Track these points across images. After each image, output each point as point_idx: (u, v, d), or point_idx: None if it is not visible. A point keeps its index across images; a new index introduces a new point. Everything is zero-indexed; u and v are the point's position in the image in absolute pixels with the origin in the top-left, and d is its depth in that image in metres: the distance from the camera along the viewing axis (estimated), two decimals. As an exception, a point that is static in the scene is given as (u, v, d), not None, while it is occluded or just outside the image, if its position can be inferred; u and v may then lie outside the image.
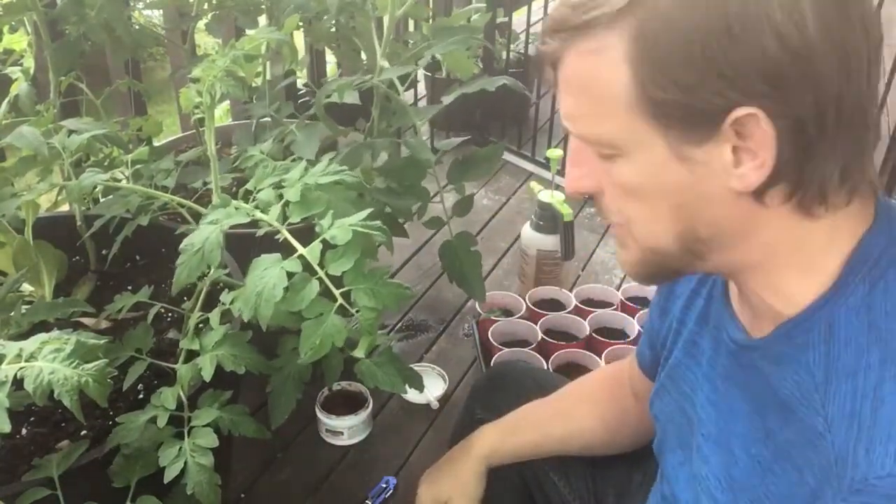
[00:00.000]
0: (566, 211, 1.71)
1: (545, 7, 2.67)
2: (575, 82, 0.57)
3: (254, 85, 1.56)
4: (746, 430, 0.64)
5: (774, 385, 0.60)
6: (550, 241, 1.79)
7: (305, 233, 0.84)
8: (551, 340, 1.61)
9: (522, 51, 3.01)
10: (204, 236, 0.84)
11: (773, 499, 0.59)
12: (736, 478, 0.64)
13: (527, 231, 1.84)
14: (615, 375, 1.03)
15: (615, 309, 1.74)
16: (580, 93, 0.57)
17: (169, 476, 0.85)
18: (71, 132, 1.07)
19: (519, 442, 1.00)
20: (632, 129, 0.56)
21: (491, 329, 1.65)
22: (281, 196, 0.89)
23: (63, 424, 0.99)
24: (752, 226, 0.57)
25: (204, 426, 0.90)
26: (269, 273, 0.79)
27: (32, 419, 1.00)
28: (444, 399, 1.61)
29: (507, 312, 1.75)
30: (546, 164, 2.50)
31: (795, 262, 0.59)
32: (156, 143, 1.65)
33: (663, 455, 0.80)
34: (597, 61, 0.55)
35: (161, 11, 1.78)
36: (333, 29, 1.54)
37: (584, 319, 1.67)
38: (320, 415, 1.48)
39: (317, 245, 0.80)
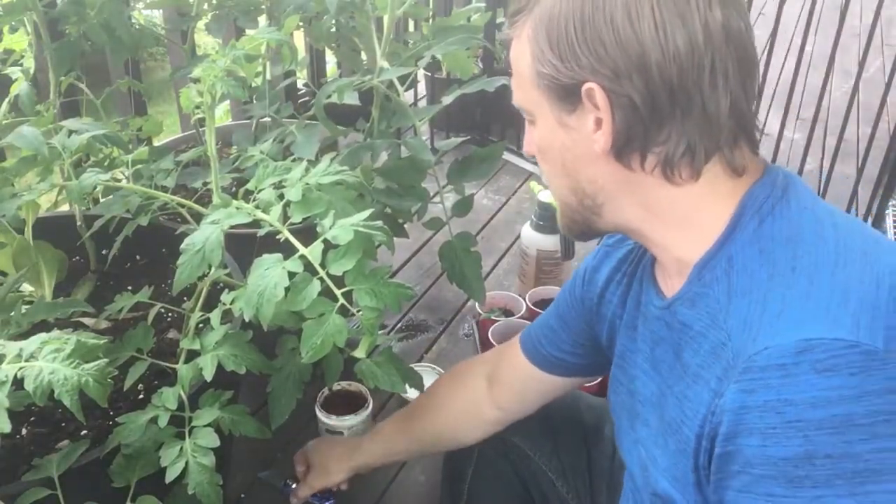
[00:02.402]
0: (566, 211, 1.71)
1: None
2: (511, 60, 0.72)
3: (254, 85, 1.56)
4: (671, 376, 0.70)
5: (689, 323, 0.68)
6: (550, 241, 1.79)
7: (306, 233, 0.84)
8: (551, 340, 1.61)
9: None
10: (205, 236, 0.84)
11: (687, 421, 0.65)
12: (665, 420, 0.69)
13: (527, 231, 1.84)
14: (459, 371, 1.14)
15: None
16: (513, 69, 0.72)
17: (170, 476, 0.85)
18: (71, 132, 1.07)
19: (385, 450, 1.17)
20: (533, 99, 0.70)
21: (491, 329, 1.65)
22: (282, 196, 0.89)
23: (63, 424, 0.99)
24: (627, 185, 0.69)
25: (205, 426, 0.90)
26: (270, 273, 0.79)
27: (32, 419, 1.00)
28: (444, 399, 1.61)
29: (507, 312, 1.75)
30: (546, 165, 2.50)
31: (678, 221, 0.68)
32: (156, 143, 1.66)
33: (622, 443, 0.84)
34: (518, 42, 0.69)
35: (161, 11, 1.78)
36: (333, 29, 1.54)
37: (584, 319, 1.67)
38: (320, 415, 1.48)
39: (318, 245, 0.81)
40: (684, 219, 0.68)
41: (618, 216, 0.72)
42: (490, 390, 1.06)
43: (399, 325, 1.88)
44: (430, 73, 2.81)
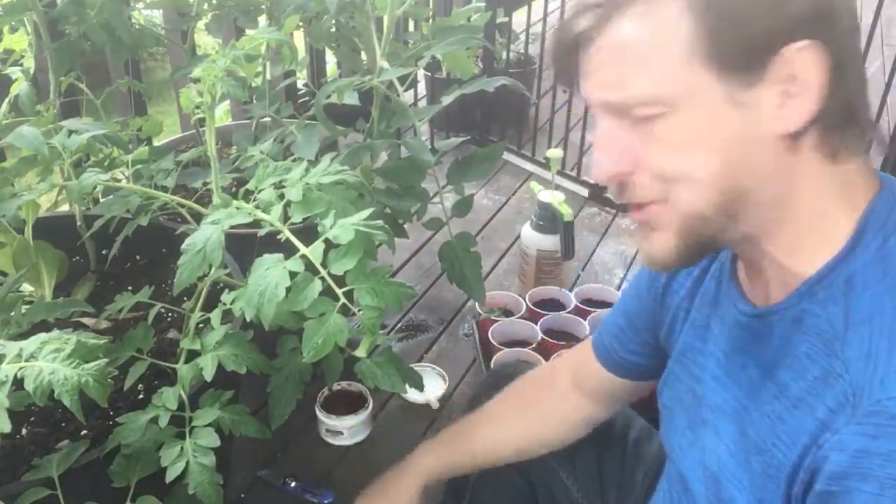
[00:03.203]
0: (566, 211, 1.71)
1: (545, 7, 2.67)
2: (620, 47, 0.59)
3: (254, 85, 1.56)
4: (758, 392, 0.65)
5: (792, 342, 0.62)
6: (550, 241, 1.79)
7: (307, 232, 0.84)
8: (551, 340, 1.61)
9: (522, 51, 3.01)
10: (205, 236, 0.84)
11: (781, 445, 0.61)
12: (750, 437, 0.65)
13: (527, 231, 1.84)
14: (540, 378, 1.08)
15: (615, 309, 1.74)
16: (626, 55, 0.59)
17: (171, 476, 0.85)
18: (71, 132, 1.07)
19: (451, 458, 1.03)
20: (687, 79, 0.58)
21: (491, 329, 1.65)
22: (282, 196, 0.89)
23: (63, 424, 0.99)
24: (785, 175, 0.60)
25: (205, 426, 0.90)
26: (271, 273, 0.79)
27: (32, 419, 1.00)
28: (444, 399, 1.61)
29: (507, 312, 1.75)
30: (546, 164, 2.50)
31: (805, 222, 0.62)
32: (156, 143, 1.66)
33: (671, 439, 0.81)
34: (650, 20, 0.58)
35: (161, 11, 1.78)
36: (333, 29, 1.54)
37: (584, 319, 1.67)
38: (320, 415, 1.48)
39: (319, 245, 0.80)
40: (811, 220, 0.62)
41: (752, 221, 0.62)
42: (574, 399, 1.01)
43: (399, 325, 1.88)
44: (430, 73, 2.81)
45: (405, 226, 1.37)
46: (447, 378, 1.65)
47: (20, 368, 0.75)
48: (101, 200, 1.25)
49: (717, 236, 0.63)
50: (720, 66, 0.57)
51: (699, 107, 0.58)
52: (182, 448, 0.88)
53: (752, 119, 0.58)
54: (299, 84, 2.40)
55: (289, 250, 0.82)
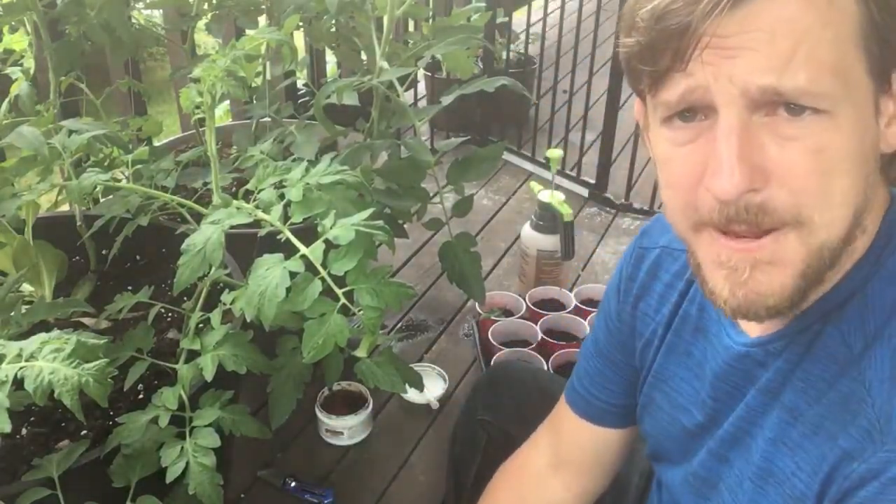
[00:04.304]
0: (566, 211, 1.71)
1: (545, 7, 2.67)
2: (790, 20, 0.48)
3: (254, 85, 1.56)
4: (763, 418, 0.62)
5: (804, 365, 0.58)
6: (550, 241, 1.79)
7: (307, 233, 0.84)
8: (551, 340, 1.61)
9: (522, 51, 3.01)
10: (206, 236, 0.84)
11: (801, 474, 0.57)
12: (763, 466, 0.62)
13: (527, 231, 1.84)
14: (516, 476, 0.94)
15: (615, 309, 1.74)
16: (798, 30, 0.48)
17: (171, 476, 0.85)
18: (71, 132, 1.07)
19: None
20: (850, 76, 0.49)
21: (491, 329, 1.65)
22: (282, 196, 0.89)
23: (63, 424, 0.99)
24: (874, 200, 0.56)
25: (205, 426, 0.90)
26: (271, 273, 0.79)
27: (32, 419, 1.00)
28: (444, 399, 1.61)
29: (507, 312, 1.75)
30: (546, 164, 2.50)
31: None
32: (156, 143, 1.65)
33: (663, 467, 0.79)
34: None
35: (161, 11, 1.78)
36: (333, 29, 1.54)
37: (584, 319, 1.67)
38: (320, 415, 1.48)
39: (319, 245, 0.81)
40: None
41: (850, 250, 0.55)
42: (560, 478, 0.90)
43: (399, 325, 1.88)
44: (430, 73, 2.81)
45: (405, 226, 1.37)
46: (447, 378, 1.65)
47: (20, 368, 0.75)
48: (101, 200, 1.25)
49: (830, 266, 0.54)
50: (880, 68, 0.50)
51: (853, 111, 0.50)
52: (182, 448, 0.88)
53: (880, 133, 0.53)
54: (299, 84, 2.40)
55: (289, 250, 0.82)
